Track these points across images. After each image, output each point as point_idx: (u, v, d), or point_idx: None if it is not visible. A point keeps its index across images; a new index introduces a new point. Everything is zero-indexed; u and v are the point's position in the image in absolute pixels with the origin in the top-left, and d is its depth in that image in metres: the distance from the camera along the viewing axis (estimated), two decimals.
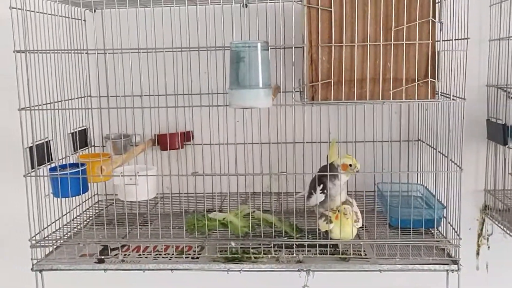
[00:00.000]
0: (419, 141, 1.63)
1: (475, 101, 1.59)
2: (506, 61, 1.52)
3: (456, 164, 1.26)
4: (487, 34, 1.59)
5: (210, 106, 1.35)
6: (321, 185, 1.34)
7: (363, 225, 1.33)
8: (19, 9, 1.26)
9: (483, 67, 1.60)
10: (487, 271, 1.73)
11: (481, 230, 1.71)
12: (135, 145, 1.55)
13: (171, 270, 1.27)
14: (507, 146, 1.50)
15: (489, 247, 1.72)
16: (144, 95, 1.47)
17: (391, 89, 1.18)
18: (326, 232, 1.30)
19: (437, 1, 1.16)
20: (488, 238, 1.71)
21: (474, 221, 1.70)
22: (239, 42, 1.15)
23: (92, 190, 1.68)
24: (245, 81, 1.14)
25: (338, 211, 1.28)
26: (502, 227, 1.55)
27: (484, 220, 1.69)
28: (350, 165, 1.31)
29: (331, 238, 1.30)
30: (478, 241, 1.71)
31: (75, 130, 1.58)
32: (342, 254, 1.29)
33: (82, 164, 1.36)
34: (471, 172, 1.65)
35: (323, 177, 1.32)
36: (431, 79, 1.18)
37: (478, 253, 1.72)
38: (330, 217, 1.28)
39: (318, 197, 1.35)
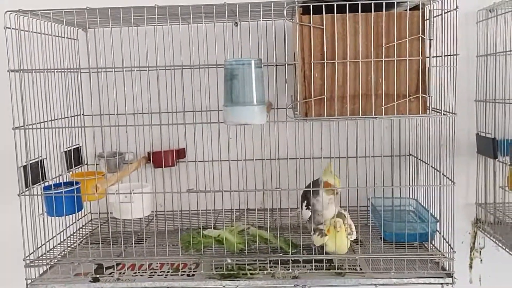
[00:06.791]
0: (410, 156, 1.65)
1: (464, 115, 1.62)
2: (493, 77, 1.55)
3: (448, 178, 1.27)
4: (474, 51, 1.62)
5: (203, 123, 1.36)
6: (305, 201, 1.36)
7: (357, 239, 1.34)
8: (13, 29, 1.27)
9: (471, 83, 1.63)
10: (480, 284, 1.74)
11: (474, 243, 1.72)
12: (129, 162, 1.55)
13: (167, 287, 1.27)
14: (497, 159, 1.53)
15: (481, 260, 1.73)
16: (137, 113, 1.48)
17: (383, 104, 1.20)
18: (321, 247, 1.31)
19: (426, 18, 1.19)
20: (480, 251, 1.72)
21: (466, 234, 1.71)
22: (233, 60, 1.17)
23: (85, 208, 1.67)
24: (239, 98, 1.15)
25: (330, 224, 1.29)
26: (494, 240, 1.56)
27: (476, 233, 1.71)
28: (332, 185, 1.32)
29: (326, 252, 1.31)
30: (470, 254, 1.72)
31: (69, 149, 1.57)
32: (337, 269, 1.29)
33: (77, 183, 1.36)
34: (462, 186, 1.67)
35: (308, 194, 1.34)
36: (422, 95, 1.20)
37: (471, 267, 1.73)
38: (323, 230, 1.29)
39: (304, 213, 1.36)
